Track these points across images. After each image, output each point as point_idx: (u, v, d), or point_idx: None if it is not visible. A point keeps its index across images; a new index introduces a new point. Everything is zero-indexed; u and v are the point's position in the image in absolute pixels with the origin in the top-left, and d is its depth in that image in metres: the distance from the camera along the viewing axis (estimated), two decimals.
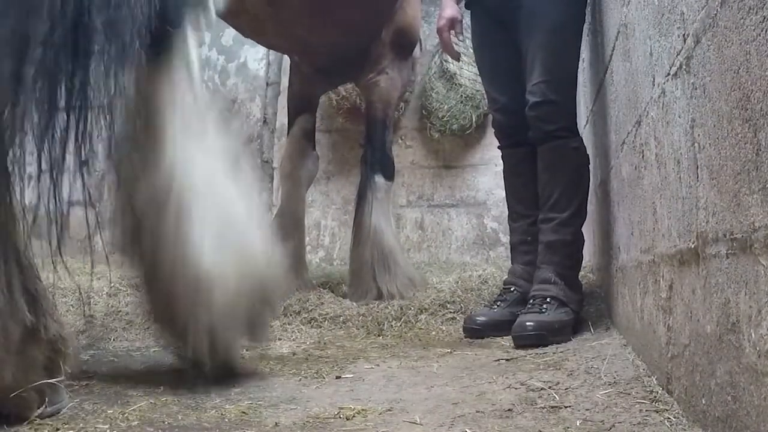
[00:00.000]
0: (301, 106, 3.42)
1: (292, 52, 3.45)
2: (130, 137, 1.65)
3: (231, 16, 3.03)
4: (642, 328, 1.70)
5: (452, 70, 4.66)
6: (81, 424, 1.34)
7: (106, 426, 1.33)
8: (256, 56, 5.37)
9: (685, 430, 1.19)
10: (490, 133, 2.88)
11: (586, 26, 2.62)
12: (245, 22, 3.02)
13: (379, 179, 3.22)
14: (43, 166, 1.37)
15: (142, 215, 1.63)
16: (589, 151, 2.59)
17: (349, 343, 2.39)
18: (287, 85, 3.64)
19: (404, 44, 3.33)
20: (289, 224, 3.27)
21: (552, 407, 1.40)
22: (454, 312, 2.74)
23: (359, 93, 4.58)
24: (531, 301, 2.33)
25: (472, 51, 2.89)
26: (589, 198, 2.50)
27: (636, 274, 1.78)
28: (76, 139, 1.42)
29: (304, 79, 3.44)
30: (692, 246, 1.16)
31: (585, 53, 3.00)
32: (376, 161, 3.25)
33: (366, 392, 1.62)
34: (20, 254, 1.32)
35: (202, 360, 1.62)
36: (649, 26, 1.48)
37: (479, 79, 3.02)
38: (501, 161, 2.73)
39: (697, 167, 1.11)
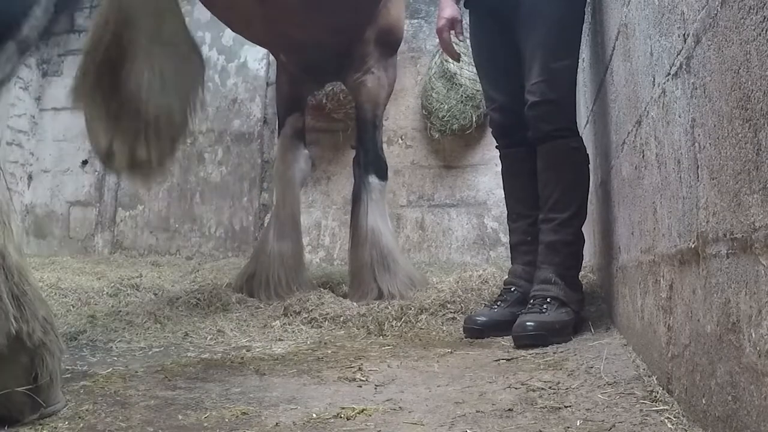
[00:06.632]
0: (291, 106, 3.46)
1: (278, 49, 3.48)
2: None
3: (220, 10, 3.05)
4: (642, 327, 1.70)
5: (453, 70, 4.67)
6: (81, 424, 1.34)
7: (106, 426, 1.33)
8: (256, 56, 5.37)
9: (685, 430, 1.19)
10: (491, 132, 2.89)
11: (586, 26, 2.62)
12: (234, 16, 3.03)
13: (373, 180, 3.24)
14: None
15: None
16: (589, 150, 2.59)
17: (350, 343, 2.39)
18: (276, 86, 3.68)
19: (389, 43, 3.36)
20: (286, 224, 3.28)
21: (552, 407, 1.40)
22: (454, 312, 2.74)
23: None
24: (531, 301, 2.33)
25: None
26: (589, 198, 2.50)
27: (636, 273, 1.78)
28: None
29: (291, 80, 3.47)
30: (692, 246, 1.16)
31: (585, 53, 3.00)
32: (368, 162, 3.27)
33: (366, 392, 1.62)
34: (7, 257, 1.31)
35: None
36: (649, 26, 1.48)
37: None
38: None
39: (698, 167, 1.11)
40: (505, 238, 4.48)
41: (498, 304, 2.52)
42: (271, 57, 5.21)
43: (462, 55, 3.03)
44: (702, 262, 1.11)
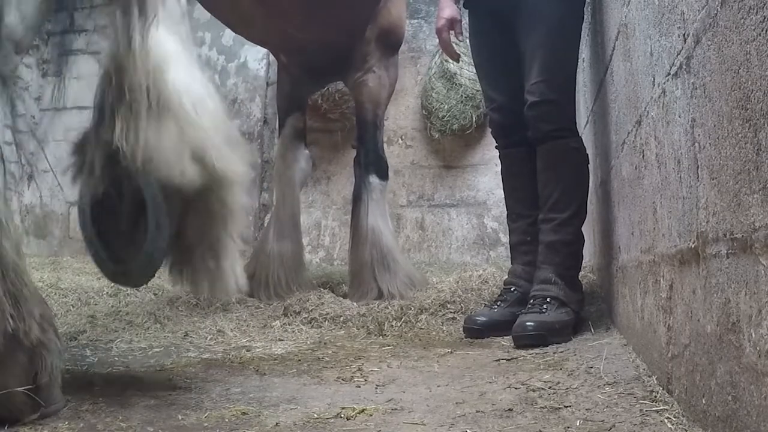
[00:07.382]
0: (291, 106, 3.46)
1: (279, 49, 3.49)
2: None
3: (220, 11, 3.05)
4: (642, 327, 1.70)
5: (452, 70, 4.67)
6: (81, 424, 1.34)
7: (106, 426, 1.33)
8: (256, 56, 5.36)
9: (685, 430, 1.19)
10: (490, 132, 2.89)
11: (586, 26, 2.62)
12: (234, 17, 3.04)
13: (373, 180, 3.24)
14: None
15: None
16: (589, 150, 2.59)
17: (350, 343, 2.39)
18: (276, 85, 3.68)
19: (390, 43, 3.36)
20: (286, 224, 3.28)
21: (552, 407, 1.40)
22: (454, 312, 2.74)
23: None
24: (531, 301, 2.33)
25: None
26: (589, 198, 2.50)
27: (636, 273, 1.78)
28: None
29: (292, 80, 3.47)
30: (692, 246, 1.16)
31: (585, 53, 3.00)
32: (369, 162, 3.27)
33: (366, 392, 1.62)
34: (4, 255, 1.31)
35: None
36: (649, 26, 1.48)
37: None
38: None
39: (698, 167, 1.11)
40: (505, 238, 4.48)
41: (498, 304, 2.52)
42: (271, 57, 5.20)
43: (462, 55, 3.03)
44: (702, 262, 1.11)
